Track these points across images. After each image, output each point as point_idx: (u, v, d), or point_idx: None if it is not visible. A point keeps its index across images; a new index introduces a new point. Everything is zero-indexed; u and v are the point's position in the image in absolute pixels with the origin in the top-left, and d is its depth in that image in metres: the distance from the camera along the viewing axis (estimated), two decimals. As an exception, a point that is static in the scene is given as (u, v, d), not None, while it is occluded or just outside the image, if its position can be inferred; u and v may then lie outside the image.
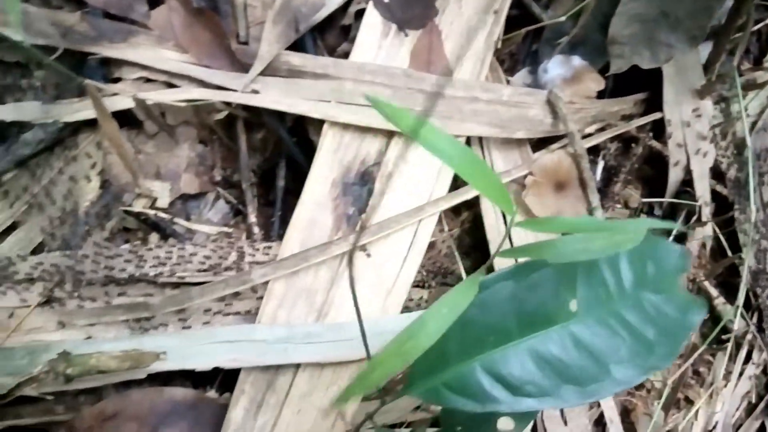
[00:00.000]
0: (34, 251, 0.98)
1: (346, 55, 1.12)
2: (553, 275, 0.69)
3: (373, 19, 1.10)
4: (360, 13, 1.11)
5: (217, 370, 0.99)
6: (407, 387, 0.69)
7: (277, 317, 0.98)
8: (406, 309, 1.02)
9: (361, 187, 1.06)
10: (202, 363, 0.92)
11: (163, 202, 1.05)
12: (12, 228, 0.99)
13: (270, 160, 1.14)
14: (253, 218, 1.07)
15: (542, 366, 0.67)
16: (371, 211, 1.05)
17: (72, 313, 0.94)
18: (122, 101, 0.97)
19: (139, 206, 1.04)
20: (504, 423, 0.76)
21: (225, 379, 1.01)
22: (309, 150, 1.12)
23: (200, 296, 0.95)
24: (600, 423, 1.18)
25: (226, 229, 1.08)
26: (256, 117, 1.10)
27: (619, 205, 1.28)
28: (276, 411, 0.95)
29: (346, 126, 1.06)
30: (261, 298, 0.99)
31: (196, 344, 0.93)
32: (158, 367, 0.89)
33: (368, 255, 1.03)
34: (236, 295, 0.99)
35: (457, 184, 1.09)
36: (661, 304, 0.71)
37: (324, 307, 1.00)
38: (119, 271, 0.97)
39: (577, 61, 1.15)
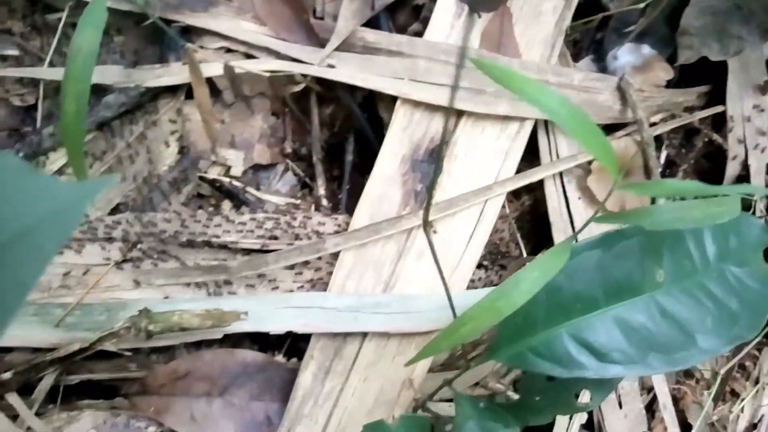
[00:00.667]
0: (112, 212, 1.00)
1: (416, 34, 1.13)
2: (639, 246, 0.70)
3: (446, 0, 1.11)
4: (434, -6, 1.13)
5: (284, 336, 1.02)
6: (493, 352, 0.71)
7: (345, 287, 1.00)
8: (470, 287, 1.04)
9: (429, 164, 1.07)
10: (276, 326, 0.94)
11: (237, 170, 1.07)
12: (93, 188, 1.01)
13: (338, 135, 1.15)
14: (322, 191, 1.09)
15: (629, 334, 0.68)
16: (439, 188, 1.06)
17: (150, 273, 0.96)
18: (206, 69, 0.99)
19: (213, 173, 1.06)
20: (582, 394, 0.78)
21: (292, 345, 1.03)
22: (377, 126, 1.14)
23: (275, 262, 0.97)
24: (650, 409, 1.18)
25: (293, 200, 1.10)
26: (328, 91, 1.12)
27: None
28: (343, 378, 0.97)
29: (417, 104, 1.07)
30: (331, 267, 1.01)
31: (270, 308, 0.95)
32: (237, 327, 0.91)
33: (435, 231, 1.05)
34: (306, 263, 1.01)
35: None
36: (744, 277, 0.72)
37: (391, 279, 1.01)
38: (194, 235, 0.99)
39: (646, 49, 1.16)
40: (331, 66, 1.05)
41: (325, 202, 1.09)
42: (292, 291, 1.00)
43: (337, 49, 1.06)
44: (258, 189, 1.10)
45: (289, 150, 1.12)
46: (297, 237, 1.03)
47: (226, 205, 1.07)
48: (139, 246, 0.98)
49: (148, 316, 0.86)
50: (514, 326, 0.69)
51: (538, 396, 0.77)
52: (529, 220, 1.20)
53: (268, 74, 0.98)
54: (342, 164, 1.14)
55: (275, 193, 1.11)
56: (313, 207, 1.09)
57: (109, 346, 0.88)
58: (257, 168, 1.10)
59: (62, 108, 0.63)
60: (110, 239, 0.98)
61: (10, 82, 1.07)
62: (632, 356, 0.68)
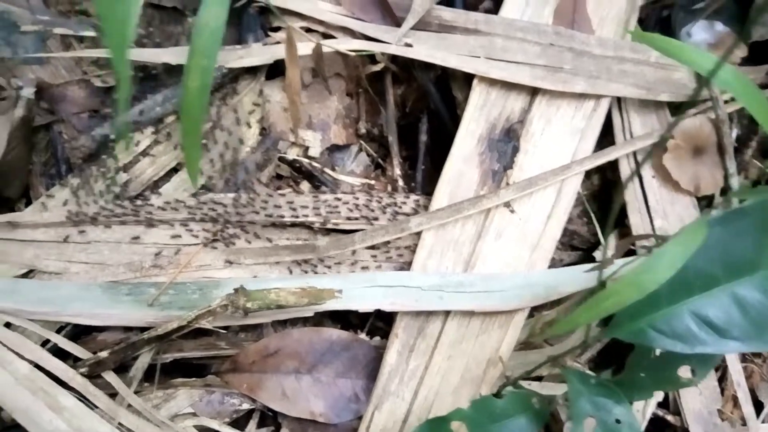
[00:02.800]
0: (198, 192, 1.01)
1: (487, 12, 1.12)
2: (758, 224, 0.70)
3: (522, -23, 1.10)
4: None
5: (365, 315, 1.03)
6: (612, 328, 0.71)
7: (427, 266, 1.01)
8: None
9: (505, 143, 1.07)
10: (364, 305, 0.95)
11: (315, 151, 1.07)
12: (175, 170, 1.02)
13: (409, 115, 1.15)
14: (398, 171, 1.09)
15: (746, 310, 0.68)
16: (516, 167, 1.06)
17: (240, 252, 0.97)
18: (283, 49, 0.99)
19: (292, 154, 1.06)
20: (683, 371, 0.78)
21: (372, 324, 1.04)
22: (450, 106, 1.13)
23: (361, 241, 0.98)
24: (720, 387, 1.19)
25: (368, 180, 1.11)
26: (401, 71, 1.11)
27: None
28: (427, 356, 0.98)
29: (492, 82, 1.07)
30: (412, 247, 1.01)
31: (357, 287, 0.95)
32: (329, 305, 0.92)
33: (512, 211, 1.05)
34: (388, 243, 1.02)
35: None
36: None
37: (471, 258, 1.02)
38: (278, 215, 1.00)
39: (720, 26, 1.14)
40: (409, 45, 1.05)
41: (401, 182, 1.09)
42: (378, 268, 1.00)
43: (413, 27, 1.06)
44: (333, 169, 1.10)
45: (363, 130, 1.12)
46: (376, 218, 1.03)
47: (305, 185, 1.07)
48: (226, 225, 0.99)
49: (246, 294, 0.87)
50: (636, 303, 0.69)
51: (644, 373, 0.77)
52: (602, 199, 1.20)
53: (352, 53, 0.98)
54: (414, 144, 1.14)
55: (350, 174, 1.11)
56: (390, 187, 1.09)
57: (205, 324, 0.89)
58: (332, 149, 1.11)
59: (185, 84, 0.63)
60: (198, 219, 0.99)
61: (87, 63, 1.07)
62: (750, 332, 0.68)
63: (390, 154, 1.12)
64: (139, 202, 0.97)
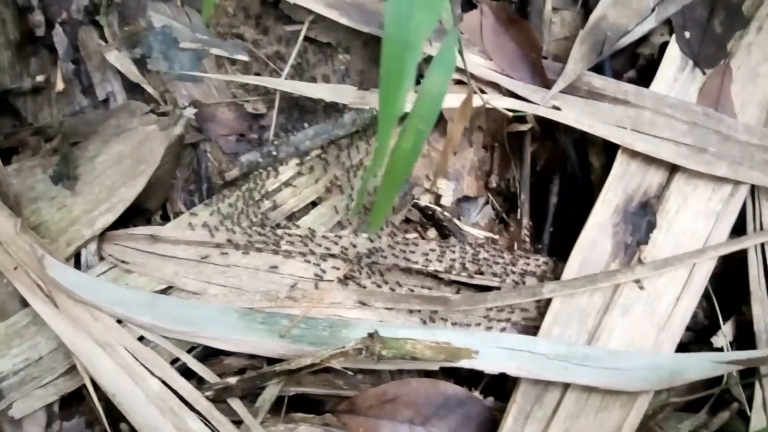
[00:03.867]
0: (333, 228, 1.01)
1: (629, 81, 1.12)
2: None
3: (674, 53, 1.10)
4: (662, 46, 1.11)
5: (478, 373, 1.01)
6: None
7: (551, 332, 0.99)
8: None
9: (640, 217, 1.06)
10: (490, 366, 0.94)
11: (447, 200, 1.07)
12: (314, 203, 1.03)
13: (539, 173, 1.15)
14: (527, 230, 1.08)
15: None
16: (650, 243, 1.05)
17: (371, 294, 0.97)
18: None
19: (425, 201, 1.06)
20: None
21: (489, 383, 1.02)
22: (584, 170, 1.13)
23: (493, 300, 0.97)
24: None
25: (491, 234, 1.10)
26: (541, 131, 1.11)
27: None
28: (542, 425, 0.96)
29: (634, 154, 1.06)
30: (536, 309, 1.01)
31: (482, 346, 0.94)
32: (462, 364, 0.91)
33: (641, 287, 1.03)
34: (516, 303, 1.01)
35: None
36: None
37: (596, 330, 1.00)
38: (406, 260, 1.00)
39: None
40: (556, 108, 1.05)
41: (527, 240, 1.08)
42: (503, 329, 0.99)
43: (562, 90, 1.06)
44: (459, 219, 1.10)
45: (493, 184, 1.12)
46: (504, 275, 1.03)
47: (432, 232, 1.07)
48: (359, 264, 0.99)
49: (382, 341, 0.87)
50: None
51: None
52: (721, 281, 1.17)
53: (508, 112, 0.98)
54: (539, 203, 1.14)
55: (475, 225, 1.11)
56: (515, 244, 1.09)
57: (335, 363, 0.89)
58: (461, 199, 1.10)
59: (399, 144, 0.63)
60: (333, 256, 0.99)
61: (235, 86, 1.09)
62: None
63: (517, 211, 1.12)
64: (279, 232, 0.98)
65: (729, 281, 1.16)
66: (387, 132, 0.54)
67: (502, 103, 1.02)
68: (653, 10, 1.09)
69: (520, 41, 1.08)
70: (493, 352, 0.95)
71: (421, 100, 0.63)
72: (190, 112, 0.97)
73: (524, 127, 1.05)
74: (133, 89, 1.05)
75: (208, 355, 0.94)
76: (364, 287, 0.98)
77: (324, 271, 0.98)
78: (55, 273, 0.90)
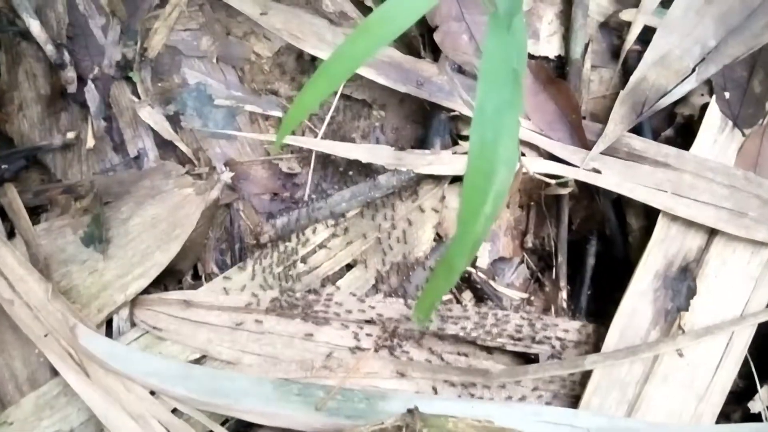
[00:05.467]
0: (368, 293, 0.99)
1: (667, 141, 1.11)
2: None
3: (714, 114, 1.08)
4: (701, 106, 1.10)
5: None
6: None
7: (591, 403, 0.97)
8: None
9: (680, 282, 1.04)
10: (531, 441, 0.91)
11: (483, 262, 1.05)
12: (349, 266, 1.01)
13: (575, 233, 1.13)
14: (564, 295, 1.06)
15: None
16: (690, 309, 1.02)
17: (409, 364, 0.95)
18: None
19: (462, 263, 1.04)
20: None
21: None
22: (622, 231, 1.11)
23: (534, 372, 0.95)
24: None
25: (526, 295, 1.08)
26: (578, 189, 1.09)
27: None
28: (583, 500, 0.94)
29: (674, 218, 1.04)
30: (574, 380, 0.98)
31: (522, 420, 0.92)
32: (503, 441, 0.89)
33: (681, 355, 1.01)
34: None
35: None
36: None
37: (636, 401, 0.98)
38: (441, 327, 0.98)
39: None
40: (596, 170, 1.03)
41: (565, 304, 1.06)
42: (539, 398, 0.97)
43: (601, 152, 1.04)
44: (494, 279, 1.08)
45: (529, 244, 1.10)
46: (541, 341, 1.00)
47: (467, 295, 1.05)
48: (394, 332, 0.97)
49: (423, 419, 0.84)
50: None
51: None
52: (758, 346, 1.15)
53: (545, 179, 0.96)
54: (575, 263, 1.12)
55: (509, 286, 1.09)
56: (552, 306, 1.06)
57: (372, 440, 0.87)
58: (497, 260, 1.09)
59: (453, 248, 0.60)
60: (367, 321, 0.97)
61: (269, 143, 1.07)
62: None
63: (552, 270, 1.10)
64: (313, 297, 0.96)
65: (766, 345, 1.14)
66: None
67: (543, 167, 1.00)
68: (693, 70, 1.08)
69: (560, 101, 1.06)
70: (533, 426, 0.93)
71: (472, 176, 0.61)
72: (227, 176, 0.95)
73: (564, 191, 1.04)
74: (165, 146, 1.04)
75: (242, 426, 0.92)
76: (401, 356, 0.96)
77: (359, 339, 0.96)
78: (88, 342, 0.88)
